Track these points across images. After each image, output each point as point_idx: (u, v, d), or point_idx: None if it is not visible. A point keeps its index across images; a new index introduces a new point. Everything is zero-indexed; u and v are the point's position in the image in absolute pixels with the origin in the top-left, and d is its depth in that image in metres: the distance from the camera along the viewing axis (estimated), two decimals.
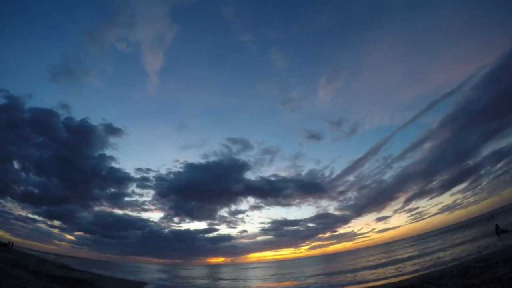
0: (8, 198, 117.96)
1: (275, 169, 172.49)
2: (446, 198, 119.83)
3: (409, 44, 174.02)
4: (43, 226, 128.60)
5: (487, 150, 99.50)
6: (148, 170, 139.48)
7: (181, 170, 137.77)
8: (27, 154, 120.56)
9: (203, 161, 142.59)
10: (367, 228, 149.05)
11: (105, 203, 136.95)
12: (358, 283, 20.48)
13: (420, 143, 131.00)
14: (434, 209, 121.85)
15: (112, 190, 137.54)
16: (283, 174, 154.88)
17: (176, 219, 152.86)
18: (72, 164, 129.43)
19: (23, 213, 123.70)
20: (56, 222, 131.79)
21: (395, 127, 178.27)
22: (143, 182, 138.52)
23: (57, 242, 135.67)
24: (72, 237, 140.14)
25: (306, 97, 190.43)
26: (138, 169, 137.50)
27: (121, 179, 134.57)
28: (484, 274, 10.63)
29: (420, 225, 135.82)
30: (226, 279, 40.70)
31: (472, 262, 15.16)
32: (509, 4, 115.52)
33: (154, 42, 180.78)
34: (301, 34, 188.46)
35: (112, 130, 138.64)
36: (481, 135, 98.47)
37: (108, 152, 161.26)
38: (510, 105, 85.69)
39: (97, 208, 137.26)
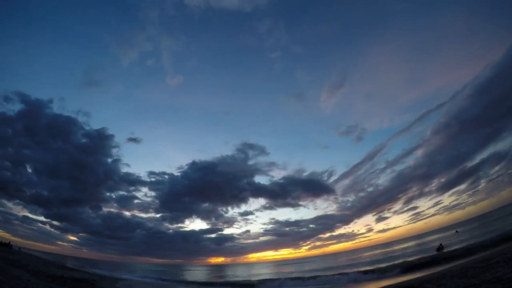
0: (17, 200, 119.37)
1: (281, 172, 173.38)
2: (445, 200, 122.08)
3: (409, 49, 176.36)
4: (47, 227, 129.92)
5: (484, 154, 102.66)
6: (156, 173, 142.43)
7: (191, 173, 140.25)
8: (41, 158, 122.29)
9: (213, 163, 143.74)
10: (367, 228, 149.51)
11: (114, 205, 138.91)
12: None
13: (419, 147, 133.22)
14: (432, 210, 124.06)
15: (122, 193, 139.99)
16: (288, 176, 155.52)
17: (179, 220, 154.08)
18: (85, 169, 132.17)
19: (30, 215, 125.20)
20: (62, 224, 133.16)
21: (394, 129, 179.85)
22: (153, 185, 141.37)
23: (59, 242, 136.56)
24: (75, 238, 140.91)
25: (312, 104, 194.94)
26: (150, 172, 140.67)
27: (132, 182, 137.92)
28: (484, 274, 10.63)
29: (419, 225, 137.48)
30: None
31: (472, 262, 15.17)
32: (506, 9, 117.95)
33: (179, 53, 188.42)
34: (304, 41, 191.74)
35: (130, 139, 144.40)
36: (478, 139, 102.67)
37: (123, 158, 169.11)
38: (503, 112, 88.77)
39: (105, 210, 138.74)
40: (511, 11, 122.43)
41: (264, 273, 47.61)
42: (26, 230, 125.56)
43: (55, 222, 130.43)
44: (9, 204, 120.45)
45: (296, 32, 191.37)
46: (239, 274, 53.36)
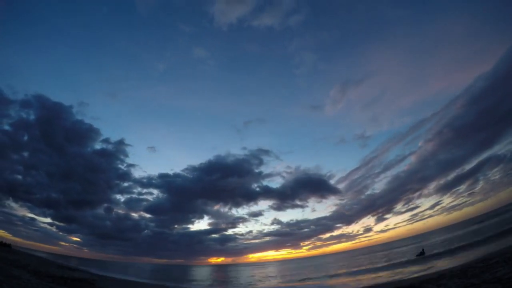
0: (23, 202, 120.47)
1: (290, 176, 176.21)
2: (444, 201, 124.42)
3: (408, 54, 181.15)
4: (49, 228, 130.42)
5: (481, 157, 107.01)
6: (168, 176, 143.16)
7: (202, 174, 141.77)
8: (54, 162, 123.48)
9: (225, 166, 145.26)
10: (367, 229, 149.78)
11: (122, 206, 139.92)
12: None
13: (417, 151, 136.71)
14: (431, 211, 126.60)
15: (131, 196, 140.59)
16: (295, 179, 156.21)
17: (184, 221, 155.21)
18: (98, 172, 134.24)
19: (35, 216, 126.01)
20: (66, 225, 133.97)
21: (394, 132, 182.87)
22: (161, 187, 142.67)
23: (62, 243, 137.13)
24: (77, 239, 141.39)
25: (324, 112, 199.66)
26: (162, 175, 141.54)
27: (144, 185, 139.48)
28: (484, 274, 10.66)
29: (419, 226, 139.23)
30: None
31: (472, 262, 15.21)
32: (503, 14, 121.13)
33: (206, 66, 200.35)
34: (307, 49, 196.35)
35: (149, 148, 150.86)
36: (475, 144, 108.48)
37: (139, 163, 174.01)
38: (498, 118, 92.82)
39: (104, 211, 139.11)
40: (507, 16, 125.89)
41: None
42: (29, 231, 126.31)
43: (58, 223, 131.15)
44: (14, 205, 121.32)
45: (320, 49, 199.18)
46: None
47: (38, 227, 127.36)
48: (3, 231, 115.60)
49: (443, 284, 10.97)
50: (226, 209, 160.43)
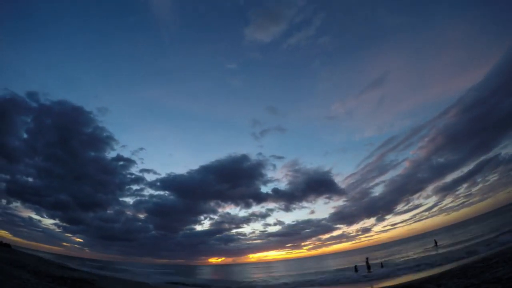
0: (36, 205, 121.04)
1: (296, 179, 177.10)
2: (442, 202, 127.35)
3: (408, 59, 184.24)
4: (51, 229, 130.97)
5: (478, 160, 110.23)
6: (179, 176, 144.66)
7: (209, 174, 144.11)
8: (70, 166, 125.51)
9: (234, 168, 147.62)
10: (368, 229, 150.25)
11: (128, 207, 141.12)
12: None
13: (416, 154, 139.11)
14: (429, 212, 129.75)
15: (143, 198, 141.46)
16: (298, 180, 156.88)
17: (187, 221, 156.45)
18: (111, 176, 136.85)
19: (38, 217, 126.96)
20: (70, 226, 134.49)
21: (392, 135, 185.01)
22: (171, 188, 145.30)
23: (64, 243, 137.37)
24: (80, 239, 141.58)
25: (328, 118, 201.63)
26: (174, 176, 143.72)
27: (156, 187, 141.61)
28: (484, 274, 10.65)
29: (419, 226, 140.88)
30: None
31: (472, 262, 15.20)
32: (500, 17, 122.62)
33: (233, 80, 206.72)
34: (307, 54, 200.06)
35: (168, 154, 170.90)
36: (473, 147, 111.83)
37: (152, 170, 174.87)
38: (494, 122, 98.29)
39: (111, 212, 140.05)
40: (505, 20, 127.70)
41: None
42: (30, 231, 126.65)
43: (63, 224, 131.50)
44: (20, 207, 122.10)
45: (326, 58, 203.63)
46: None
47: (40, 228, 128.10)
48: (4, 232, 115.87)
49: (443, 284, 10.96)
50: (236, 210, 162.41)
